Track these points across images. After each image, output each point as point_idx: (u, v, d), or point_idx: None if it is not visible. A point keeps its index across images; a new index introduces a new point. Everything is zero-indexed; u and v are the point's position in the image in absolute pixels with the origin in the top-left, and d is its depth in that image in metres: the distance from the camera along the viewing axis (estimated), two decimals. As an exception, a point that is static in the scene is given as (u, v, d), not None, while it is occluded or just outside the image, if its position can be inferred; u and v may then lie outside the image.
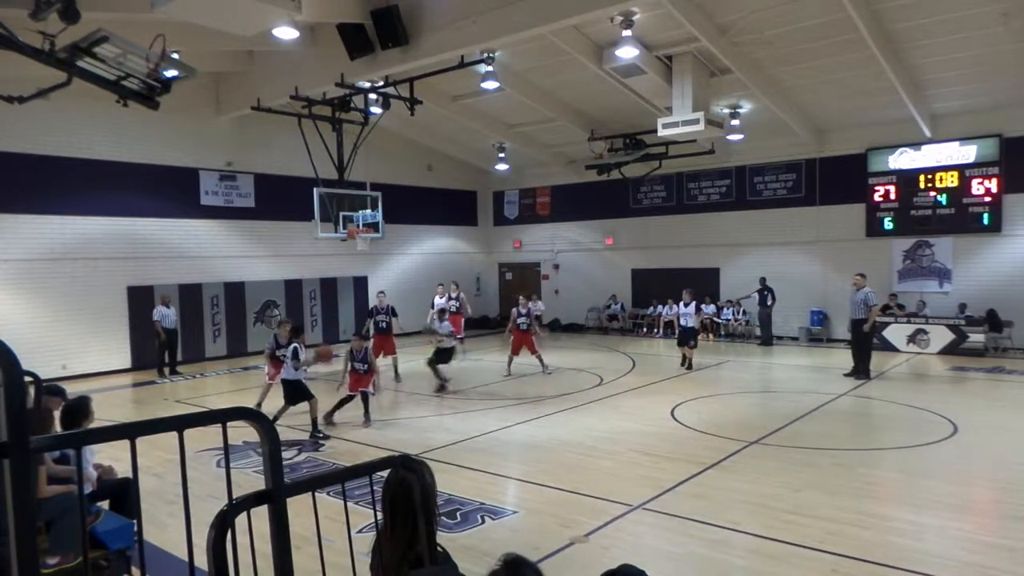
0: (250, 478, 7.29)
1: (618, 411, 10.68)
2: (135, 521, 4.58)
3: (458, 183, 24.12)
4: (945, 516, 6.14)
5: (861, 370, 13.09)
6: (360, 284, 20.72)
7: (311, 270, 19.44)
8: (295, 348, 9.66)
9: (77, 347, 14.84)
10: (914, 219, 16.97)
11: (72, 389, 6.70)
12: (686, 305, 14.43)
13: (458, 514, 6.36)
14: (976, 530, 5.96)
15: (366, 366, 10.29)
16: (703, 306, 20.00)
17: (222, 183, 17.53)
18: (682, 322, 14.53)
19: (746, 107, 16.45)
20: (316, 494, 2.31)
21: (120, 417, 10.59)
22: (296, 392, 9.60)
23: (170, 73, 7.87)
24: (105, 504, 5.32)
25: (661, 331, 20.35)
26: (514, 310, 14.45)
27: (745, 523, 5.99)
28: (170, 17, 8.72)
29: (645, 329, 20.96)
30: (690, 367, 14.29)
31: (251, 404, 10.46)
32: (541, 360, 14.18)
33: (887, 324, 16.46)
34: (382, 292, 15.25)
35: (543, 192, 23.90)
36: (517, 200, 24.65)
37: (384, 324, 13.95)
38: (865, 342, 13.19)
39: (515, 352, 14.12)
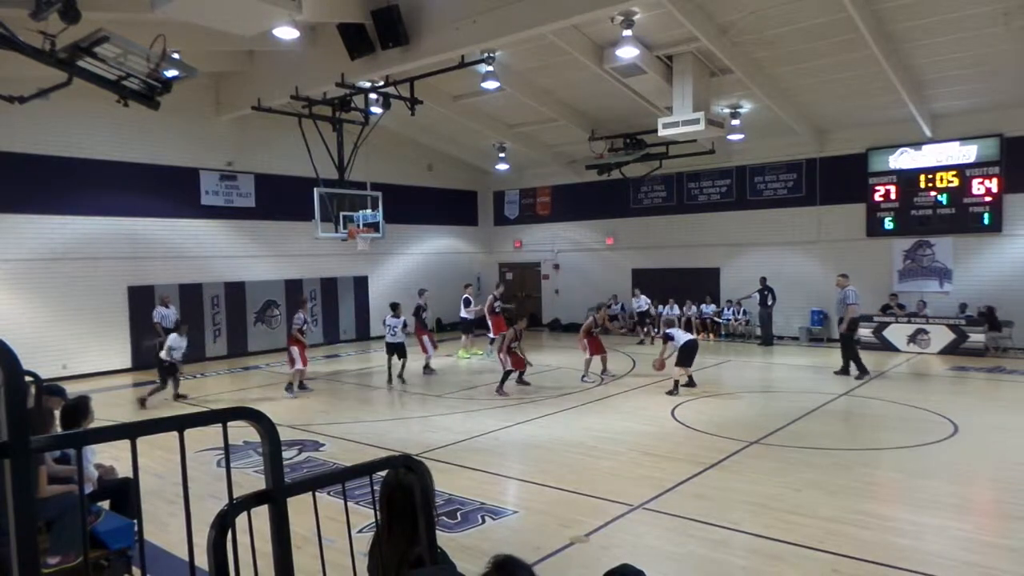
0: (250, 478, 7.30)
1: (618, 411, 10.68)
2: (136, 521, 4.58)
3: (458, 183, 24.12)
4: (945, 516, 6.14)
5: (859, 368, 13.16)
6: (360, 284, 20.73)
7: (311, 270, 19.44)
8: (405, 321, 13.87)
9: (77, 347, 14.84)
10: (914, 219, 16.97)
11: (72, 389, 6.71)
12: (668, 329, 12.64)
13: (458, 514, 6.36)
14: (976, 530, 5.95)
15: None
16: (703, 306, 20.02)
17: (222, 183, 17.53)
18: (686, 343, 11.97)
19: (746, 107, 16.45)
20: (316, 494, 2.31)
21: (120, 417, 10.60)
22: (399, 351, 13.68)
23: (170, 73, 7.87)
24: (106, 504, 5.32)
25: (662, 330, 20.31)
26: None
27: (745, 523, 5.99)
28: (170, 17, 8.73)
29: (646, 329, 20.90)
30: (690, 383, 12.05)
31: (252, 403, 10.46)
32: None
33: (887, 324, 16.47)
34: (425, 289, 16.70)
35: (543, 192, 23.89)
36: (517, 200, 24.64)
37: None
38: (848, 340, 13.38)
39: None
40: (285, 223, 18.35)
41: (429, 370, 14.62)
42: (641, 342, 19.05)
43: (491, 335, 16.71)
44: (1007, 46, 12.59)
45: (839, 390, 11.87)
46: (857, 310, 13.46)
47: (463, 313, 17.18)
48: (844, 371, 13.36)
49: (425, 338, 14.89)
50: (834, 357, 15.58)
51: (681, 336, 12.10)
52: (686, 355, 11.81)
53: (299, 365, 12.45)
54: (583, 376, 13.47)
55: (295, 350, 12.47)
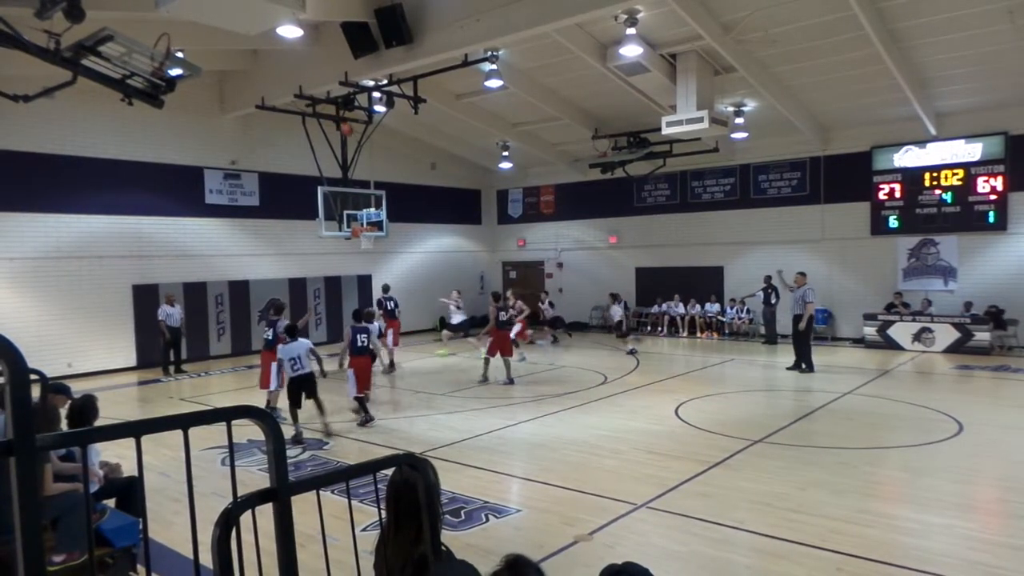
0: (255, 476, 7.31)
1: (622, 409, 10.67)
2: (140, 519, 4.59)
3: (462, 182, 24.12)
4: (950, 515, 6.12)
5: (806, 364, 13.65)
6: (364, 283, 20.74)
7: (315, 269, 19.46)
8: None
9: (82, 345, 14.88)
10: (919, 217, 16.92)
11: (77, 387, 6.73)
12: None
13: (462, 512, 6.37)
14: (981, 529, 5.94)
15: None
16: (707, 304, 19.99)
17: (226, 182, 17.56)
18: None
19: (750, 105, 16.41)
20: (320, 492, 2.31)
21: (125, 415, 10.63)
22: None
23: (175, 72, 7.88)
24: (111, 502, 5.34)
25: (665, 329, 20.35)
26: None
27: (750, 522, 5.98)
28: (175, 16, 8.75)
29: (649, 328, 20.93)
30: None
31: (256, 403, 10.47)
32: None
33: (892, 322, 16.43)
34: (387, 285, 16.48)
35: (547, 190, 23.88)
36: (521, 198, 24.64)
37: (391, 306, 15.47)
38: (803, 337, 13.75)
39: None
40: (289, 222, 18.37)
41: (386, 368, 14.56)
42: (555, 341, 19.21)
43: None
44: (1012, 43, 12.53)
45: (843, 389, 11.84)
46: (814, 308, 13.92)
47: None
48: (799, 365, 13.78)
49: (390, 331, 14.82)
50: (839, 356, 15.61)
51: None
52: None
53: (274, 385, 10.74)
54: (480, 379, 13.11)
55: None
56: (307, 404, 9.44)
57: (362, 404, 10.03)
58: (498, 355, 13.02)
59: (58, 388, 6.06)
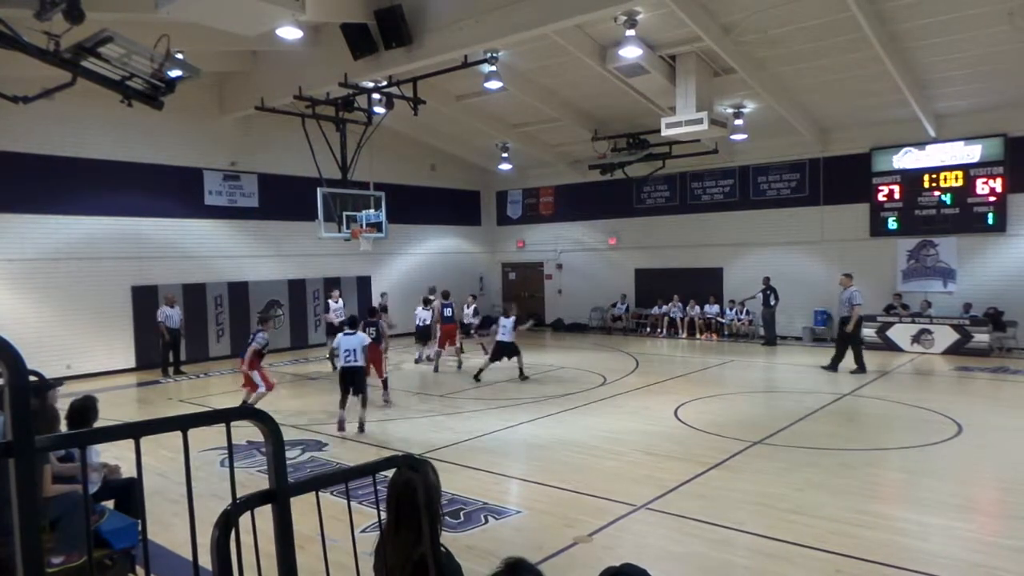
0: (254, 478, 7.31)
1: (621, 411, 10.67)
2: (140, 520, 4.59)
3: (461, 183, 24.12)
4: (950, 516, 6.12)
5: (858, 366, 13.48)
6: (363, 284, 20.74)
7: (314, 270, 19.46)
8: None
9: (81, 347, 14.87)
10: (918, 219, 16.93)
11: (77, 388, 6.73)
12: (507, 317, 13.56)
13: (461, 514, 6.36)
14: (981, 530, 5.94)
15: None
16: (707, 306, 20.00)
17: (226, 183, 17.56)
18: (500, 336, 13.45)
19: (750, 107, 16.43)
20: (320, 494, 2.31)
21: (124, 417, 10.61)
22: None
23: (174, 73, 7.88)
24: (110, 503, 5.33)
25: (664, 330, 20.35)
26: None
27: (748, 523, 5.98)
28: (174, 17, 8.76)
29: (648, 329, 20.93)
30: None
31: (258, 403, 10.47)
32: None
33: (891, 324, 16.44)
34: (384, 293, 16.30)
35: (546, 192, 23.89)
36: (520, 200, 24.64)
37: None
38: (853, 338, 13.64)
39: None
40: (288, 223, 18.36)
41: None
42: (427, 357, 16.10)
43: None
44: (1012, 45, 12.54)
45: (843, 390, 11.85)
46: (862, 310, 13.78)
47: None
48: (838, 365, 13.66)
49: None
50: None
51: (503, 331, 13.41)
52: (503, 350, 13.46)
53: (262, 389, 10.57)
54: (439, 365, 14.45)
55: (256, 375, 10.55)
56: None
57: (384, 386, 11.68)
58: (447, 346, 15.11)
59: (47, 384, 6.02)
